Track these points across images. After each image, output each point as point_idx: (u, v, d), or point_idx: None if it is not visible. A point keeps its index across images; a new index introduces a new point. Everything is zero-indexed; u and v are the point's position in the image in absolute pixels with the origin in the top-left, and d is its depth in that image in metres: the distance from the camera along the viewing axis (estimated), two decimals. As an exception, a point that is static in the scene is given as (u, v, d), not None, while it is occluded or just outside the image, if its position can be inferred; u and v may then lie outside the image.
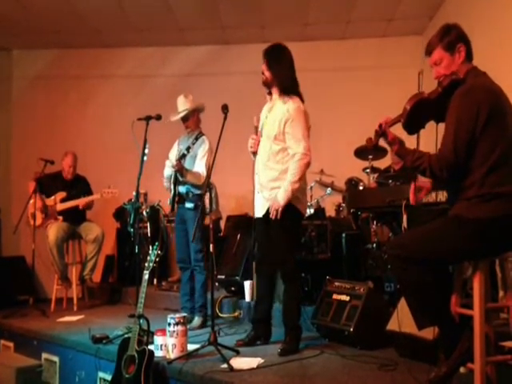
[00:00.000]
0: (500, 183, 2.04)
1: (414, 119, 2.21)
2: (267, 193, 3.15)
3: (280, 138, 3.11)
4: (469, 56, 2.20)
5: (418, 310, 2.15)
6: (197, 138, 3.97)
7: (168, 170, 4.02)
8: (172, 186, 3.91)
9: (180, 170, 3.79)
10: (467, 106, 2.05)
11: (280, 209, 3.02)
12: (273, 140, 3.13)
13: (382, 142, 2.33)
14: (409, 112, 2.18)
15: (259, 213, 3.24)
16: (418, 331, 2.25)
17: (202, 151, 3.92)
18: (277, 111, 3.15)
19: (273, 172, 3.13)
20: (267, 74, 3.15)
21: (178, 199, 3.91)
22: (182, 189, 3.92)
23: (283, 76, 3.14)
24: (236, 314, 4.16)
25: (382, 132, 2.24)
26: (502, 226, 2.03)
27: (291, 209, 3.08)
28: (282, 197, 3.03)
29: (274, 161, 3.13)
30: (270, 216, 3.06)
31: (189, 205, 3.89)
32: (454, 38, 2.18)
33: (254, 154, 3.25)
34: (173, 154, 4.09)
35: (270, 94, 3.26)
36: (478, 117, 2.03)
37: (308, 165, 3.11)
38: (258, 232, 3.33)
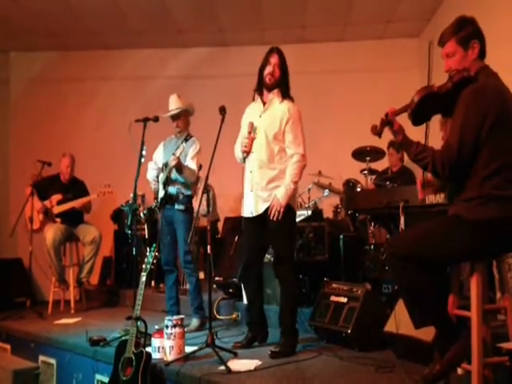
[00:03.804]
0: (500, 187, 2.03)
1: (421, 111, 2.18)
2: (265, 193, 3.12)
3: (279, 138, 3.13)
4: (482, 53, 2.17)
5: (414, 309, 2.15)
6: (186, 139, 3.93)
7: (153, 172, 4.00)
8: (162, 187, 3.87)
9: (179, 165, 3.73)
10: (476, 107, 2.02)
11: (282, 209, 3.03)
12: (272, 140, 3.13)
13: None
14: (416, 104, 2.15)
15: (251, 212, 3.17)
16: (415, 332, 2.25)
17: (192, 151, 3.89)
18: (275, 111, 3.17)
19: (272, 172, 3.12)
20: (278, 72, 3.16)
21: (167, 199, 3.87)
22: (171, 190, 3.87)
23: (287, 79, 3.21)
24: (234, 315, 4.15)
25: (387, 121, 2.21)
26: (500, 228, 2.03)
27: (289, 208, 3.10)
28: (283, 196, 3.04)
29: (273, 161, 3.13)
30: (271, 217, 3.05)
31: (179, 206, 3.85)
32: (468, 33, 2.14)
33: (246, 153, 3.17)
34: (159, 156, 4.05)
35: (260, 94, 3.25)
36: (484, 120, 2.00)
37: (304, 167, 3.17)
38: (249, 233, 3.27)
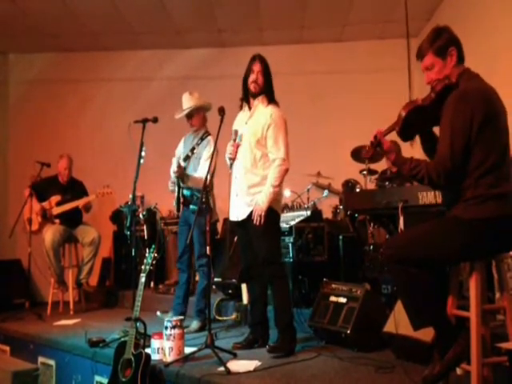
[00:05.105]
0: (494, 185, 2.05)
1: (409, 126, 2.21)
2: (248, 198, 3.19)
3: (262, 143, 3.17)
4: (460, 58, 2.20)
5: (413, 310, 2.15)
6: (202, 139, 3.92)
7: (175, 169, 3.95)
8: (176, 189, 3.86)
9: (181, 177, 3.74)
10: (461, 112, 2.05)
11: (263, 213, 3.08)
12: (255, 145, 3.17)
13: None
14: (403, 119, 2.18)
15: (236, 216, 3.27)
16: (414, 333, 2.24)
17: (206, 153, 3.84)
18: (259, 117, 3.20)
19: (255, 177, 3.18)
20: (262, 79, 3.19)
21: (183, 201, 3.86)
22: (186, 192, 3.85)
23: (271, 84, 3.24)
24: (233, 316, 4.15)
25: (377, 142, 2.23)
26: (498, 227, 2.04)
27: (270, 211, 3.14)
28: (263, 201, 3.10)
29: (256, 166, 3.18)
30: (254, 221, 3.10)
31: (194, 208, 3.83)
32: (444, 42, 2.17)
33: (232, 160, 3.25)
34: (179, 152, 4.04)
35: (246, 101, 3.29)
36: (471, 123, 2.03)
37: (286, 171, 3.17)
38: (239, 236, 3.37)
